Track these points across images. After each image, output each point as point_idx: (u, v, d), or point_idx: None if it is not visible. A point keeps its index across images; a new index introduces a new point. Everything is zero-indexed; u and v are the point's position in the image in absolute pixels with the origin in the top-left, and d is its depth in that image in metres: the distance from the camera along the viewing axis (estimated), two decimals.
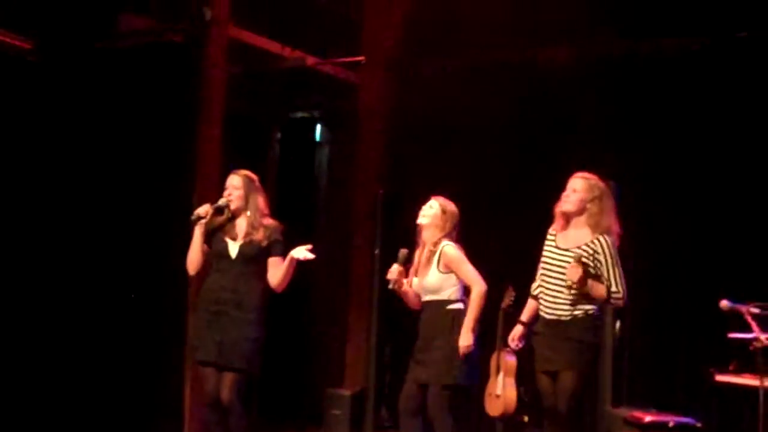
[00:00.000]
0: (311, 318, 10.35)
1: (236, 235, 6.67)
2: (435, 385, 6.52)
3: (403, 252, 6.68)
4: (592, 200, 6.32)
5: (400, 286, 6.69)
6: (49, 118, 8.46)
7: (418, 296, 6.74)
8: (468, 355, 6.48)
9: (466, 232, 6.79)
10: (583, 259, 6.21)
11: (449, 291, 6.63)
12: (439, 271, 6.62)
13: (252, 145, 9.74)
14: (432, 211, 6.73)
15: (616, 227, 6.34)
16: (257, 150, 9.90)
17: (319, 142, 10.66)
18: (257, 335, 6.54)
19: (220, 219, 6.63)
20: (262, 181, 6.77)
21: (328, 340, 10.10)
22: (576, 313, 6.24)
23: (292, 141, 10.62)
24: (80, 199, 8.46)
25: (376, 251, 9.16)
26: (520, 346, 6.62)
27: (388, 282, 6.70)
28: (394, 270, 6.66)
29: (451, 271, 6.61)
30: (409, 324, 6.95)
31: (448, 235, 6.68)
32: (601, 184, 6.41)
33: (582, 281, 6.13)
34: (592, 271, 6.22)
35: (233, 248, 6.65)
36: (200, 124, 8.21)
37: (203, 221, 6.59)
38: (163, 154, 8.30)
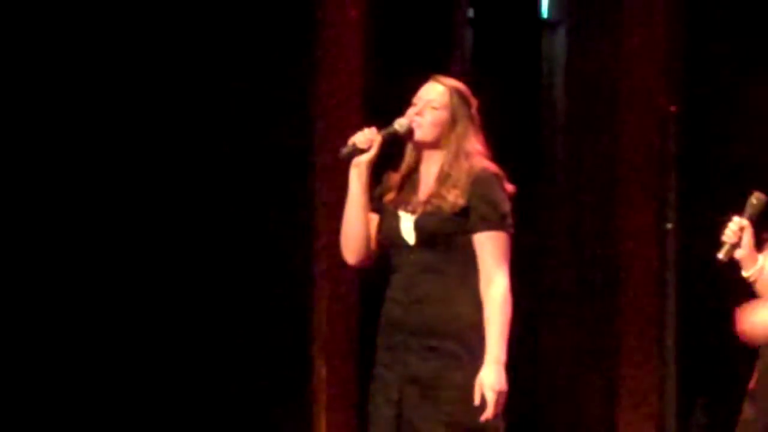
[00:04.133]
0: (552, 342, 8.25)
1: (416, 201, 4.93)
2: None
3: (758, 197, 5.07)
4: None
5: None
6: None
7: None
8: None
9: None
10: None
11: None
12: None
13: (426, 34, 7.77)
14: None
15: None
16: (435, 42, 7.89)
17: (546, 22, 8.43)
18: (471, 372, 4.77)
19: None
20: None
21: (587, 382, 8.07)
22: None
23: (495, 22, 8.40)
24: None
25: (669, 225, 7.38)
26: None
27: (720, 246, 5.12)
28: (736, 226, 5.10)
29: None
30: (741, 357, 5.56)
31: None
32: None
33: None
34: None
35: (407, 225, 4.89)
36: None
37: (365, 158, 4.87)
38: (271, 65, 7.00)
